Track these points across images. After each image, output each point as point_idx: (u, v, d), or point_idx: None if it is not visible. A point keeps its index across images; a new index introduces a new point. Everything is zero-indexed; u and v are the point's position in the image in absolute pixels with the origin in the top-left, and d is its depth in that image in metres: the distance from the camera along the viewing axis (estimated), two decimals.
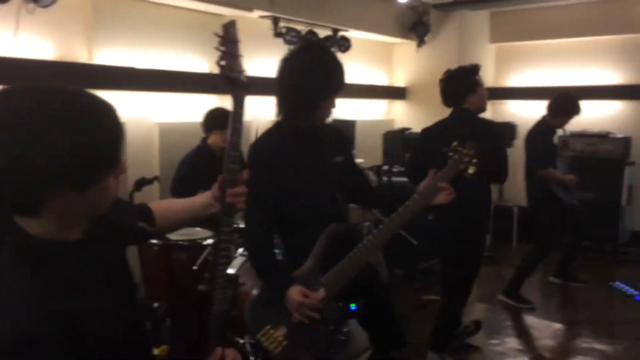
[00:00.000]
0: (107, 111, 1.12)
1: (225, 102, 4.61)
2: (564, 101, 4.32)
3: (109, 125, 1.11)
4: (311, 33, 5.08)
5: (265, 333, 2.01)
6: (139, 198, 2.99)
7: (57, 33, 3.58)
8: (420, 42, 6.28)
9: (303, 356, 2.06)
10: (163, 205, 1.58)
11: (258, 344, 2.02)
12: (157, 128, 4.12)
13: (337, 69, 2.06)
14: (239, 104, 1.43)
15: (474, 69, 3.37)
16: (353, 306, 2.14)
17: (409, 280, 4.83)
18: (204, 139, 3.79)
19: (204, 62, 4.47)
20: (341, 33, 5.44)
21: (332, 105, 2.11)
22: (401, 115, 6.62)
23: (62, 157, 1.00)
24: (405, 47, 6.49)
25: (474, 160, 2.10)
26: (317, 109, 2.07)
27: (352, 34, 5.54)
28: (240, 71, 1.42)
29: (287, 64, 2.07)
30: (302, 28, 5.04)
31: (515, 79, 6.72)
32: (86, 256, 1.19)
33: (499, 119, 6.57)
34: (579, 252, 4.78)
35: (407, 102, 6.60)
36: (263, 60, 4.88)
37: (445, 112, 6.22)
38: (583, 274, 4.91)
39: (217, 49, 1.40)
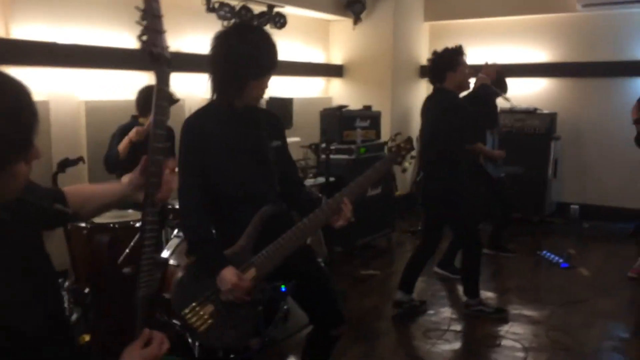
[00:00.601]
0: (17, 93, 1.06)
1: (153, 79, 4.45)
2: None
3: (16, 107, 1.05)
4: (245, 9, 4.96)
5: (191, 310, 1.99)
6: (64, 180, 2.84)
7: None
8: (357, 20, 6.28)
9: (228, 335, 2.06)
10: (80, 189, 1.51)
11: (183, 321, 2.00)
12: (84, 106, 3.92)
13: (268, 49, 2.05)
14: (162, 81, 1.36)
15: (458, 50, 3.65)
16: (283, 287, 2.14)
17: (347, 256, 4.88)
18: (135, 117, 3.66)
19: (132, 37, 4.27)
20: (277, 9, 5.34)
21: (264, 85, 2.10)
22: (338, 93, 6.62)
23: None
24: (341, 25, 6.47)
25: (410, 155, 2.18)
26: (247, 89, 2.05)
27: (287, 10, 5.46)
28: (164, 47, 1.36)
29: (218, 42, 2.05)
30: (236, 3, 4.91)
31: None
32: None
33: None
34: (509, 224, 4.98)
35: (344, 80, 6.60)
36: (195, 36, 4.73)
37: (380, 90, 6.33)
38: (512, 244, 5.13)
39: (138, 23, 1.35)
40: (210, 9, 4.72)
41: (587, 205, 6.20)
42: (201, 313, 1.98)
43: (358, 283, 4.33)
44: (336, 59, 6.63)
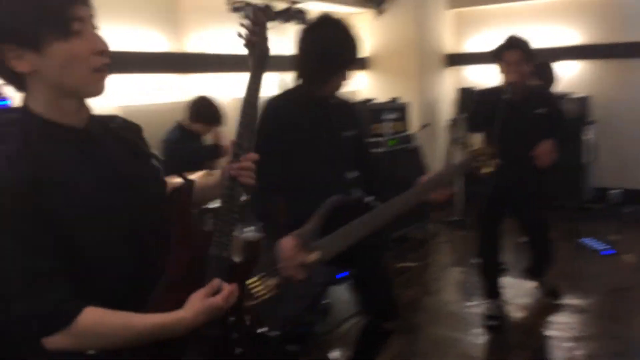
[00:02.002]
0: None
1: (187, 80, 4.48)
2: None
3: None
4: (267, 6, 4.93)
5: (259, 279, 1.96)
6: None
7: None
8: (379, 11, 6.21)
9: (284, 310, 2.06)
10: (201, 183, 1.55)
11: (246, 289, 2.01)
12: (121, 112, 3.95)
13: (354, 41, 2.16)
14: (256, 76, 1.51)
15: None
16: (341, 274, 2.17)
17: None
18: (180, 121, 3.82)
19: (164, 40, 4.30)
20: (298, 5, 5.31)
21: (346, 76, 2.18)
22: (364, 86, 6.57)
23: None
24: (364, 17, 6.40)
25: (492, 161, 2.23)
26: (333, 79, 2.15)
27: (308, 5, 5.41)
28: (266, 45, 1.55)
29: (306, 35, 2.19)
30: (258, 1, 4.89)
31: (475, 44, 6.74)
32: (87, 146, 1.21)
33: (460, 84, 6.60)
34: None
35: (370, 73, 6.55)
36: (218, 35, 4.73)
37: (407, 81, 6.24)
38: (551, 232, 5.00)
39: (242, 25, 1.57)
40: (234, 8, 4.70)
41: (628, 190, 6.02)
42: (267, 283, 1.96)
43: (395, 276, 4.29)
44: (360, 51, 6.57)
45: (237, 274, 1.32)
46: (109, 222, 1.17)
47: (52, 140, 1.16)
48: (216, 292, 1.21)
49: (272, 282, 1.97)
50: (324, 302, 3.22)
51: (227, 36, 4.79)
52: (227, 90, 4.73)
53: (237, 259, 1.35)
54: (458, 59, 6.78)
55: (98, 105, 4.30)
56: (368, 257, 2.23)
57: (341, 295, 2.98)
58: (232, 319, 1.33)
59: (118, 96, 4.00)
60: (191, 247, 1.28)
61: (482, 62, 6.59)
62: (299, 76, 2.19)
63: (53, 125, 1.17)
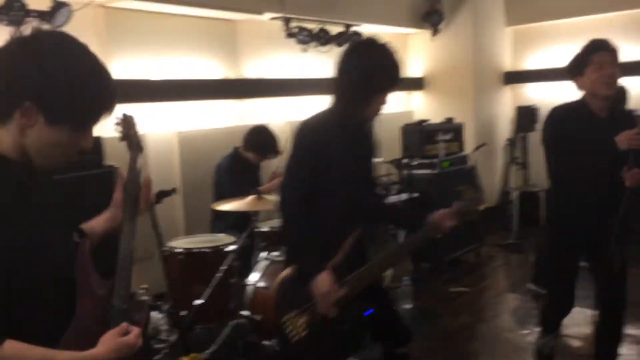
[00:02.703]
0: (108, 74, 1.26)
1: (242, 106, 4.64)
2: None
3: (104, 83, 1.24)
4: (323, 31, 5.05)
5: (290, 318, 2.03)
6: (161, 210, 3.03)
7: None
8: (435, 31, 6.20)
9: (317, 349, 2.08)
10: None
11: (281, 327, 2.05)
12: (176, 137, 4.16)
13: (396, 64, 2.12)
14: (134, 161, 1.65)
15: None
16: (368, 311, 2.16)
17: (435, 273, 4.79)
18: (237, 149, 3.90)
19: (219, 67, 4.50)
20: (353, 28, 5.40)
21: (384, 101, 2.15)
22: (419, 106, 6.56)
23: (53, 77, 1.16)
24: (420, 37, 6.42)
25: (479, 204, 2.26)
26: (372, 102, 2.12)
27: (364, 28, 5.50)
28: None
29: (347, 58, 2.14)
30: (314, 27, 5.02)
31: (534, 62, 6.58)
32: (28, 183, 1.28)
33: (519, 103, 6.46)
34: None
35: (426, 93, 6.53)
36: (276, 61, 4.89)
37: (462, 101, 6.17)
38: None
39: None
40: (290, 34, 4.86)
41: None
42: (299, 322, 2.02)
43: (447, 301, 4.23)
44: (416, 71, 6.57)
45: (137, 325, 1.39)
46: (41, 265, 1.28)
47: None
48: (125, 333, 1.30)
49: (302, 320, 2.01)
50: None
51: (282, 61, 4.94)
52: (282, 113, 4.87)
53: (135, 314, 1.43)
54: (517, 77, 6.65)
55: (158, 131, 4.53)
56: (371, 288, 2.20)
57: None
58: None
59: (177, 122, 4.22)
60: (93, 296, 1.37)
61: (541, 80, 6.43)
62: (338, 98, 2.15)
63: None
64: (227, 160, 3.88)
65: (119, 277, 1.41)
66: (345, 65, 2.12)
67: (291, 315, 2.03)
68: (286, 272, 2.09)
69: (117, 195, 1.59)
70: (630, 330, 3.53)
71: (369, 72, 2.06)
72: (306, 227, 2.07)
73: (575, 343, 3.45)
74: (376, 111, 2.17)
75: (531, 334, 3.58)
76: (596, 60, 2.70)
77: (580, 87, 2.73)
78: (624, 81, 5.73)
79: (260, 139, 3.89)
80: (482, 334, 3.68)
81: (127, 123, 1.68)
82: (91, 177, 2.63)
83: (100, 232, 1.58)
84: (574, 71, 2.77)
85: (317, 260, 2.03)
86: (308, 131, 2.12)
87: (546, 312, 3.08)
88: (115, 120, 1.65)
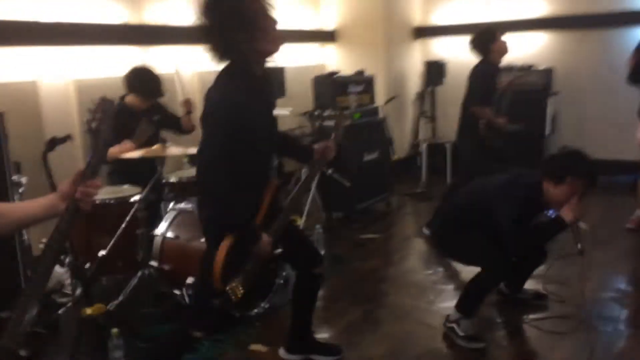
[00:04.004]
0: None
1: (145, 54, 4.41)
2: (485, 36, 4.38)
3: None
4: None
5: (232, 285, 2.17)
6: (56, 159, 2.85)
7: None
8: None
9: (255, 298, 2.40)
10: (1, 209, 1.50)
11: (226, 295, 2.15)
12: (73, 85, 3.90)
13: None
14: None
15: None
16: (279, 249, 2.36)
17: (347, 221, 4.91)
18: (122, 98, 3.65)
19: (120, 10, 4.21)
20: None
21: (273, 24, 2.10)
22: (332, 59, 6.55)
23: None
24: None
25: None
26: (261, 37, 2.05)
27: None
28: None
29: (207, 6, 2.04)
30: None
31: (442, 17, 6.74)
32: None
33: (428, 57, 6.63)
34: None
35: (338, 45, 6.53)
36: (182, 6, 4.66)
37: (374, 53, 6.24)
38: None
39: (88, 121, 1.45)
40: None
41: None
42: (237, 285, 2.17)
43: (358, 247, 4.37)
44: (328, 24, 6.54)
45: None
46: None
47: None
48: None
49: (239, 282, 2.17)
50: (282, 274, 3.29)
51: (185, 7, 4.72)
52: (186, 63, 4.68)
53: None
54: (426, 31, 6.80)
55: (53, 78, 4.24)
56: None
57: None
58: None
59: (73, 69, 3.94)
60: None
61: (449, 34, 6.62)
62: (226, 48, 2.05)
63: None
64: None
65: (20, 307, 1.27)
66: (216, 14, 2.02)
67: (232, 283, 2.16)
68: (225, 243, 2.12)
69: (67, 187, 1.43)
70: None
71: (239, 6, 2.00)
72: (241, 205, 2.12)
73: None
74: (274, 41, 2.10)
75: (434, 274, 3.79)
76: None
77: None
78: (520, 37, 6.05)
79: (138, 81, 3.60)
80: (390, 275, 3.84)
81: (104, 113, 1.44)
82: None
83: (23, 219, 1.47)
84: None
85: (254, 226, 2.17)
86: (230, 106, 2.04)
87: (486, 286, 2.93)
88: (90, 106, 1.45)
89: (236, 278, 2.16)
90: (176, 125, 3.84)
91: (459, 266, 3.86)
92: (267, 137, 2.22)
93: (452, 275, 3.75)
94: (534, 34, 6.25)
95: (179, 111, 3.87)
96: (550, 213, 3.51)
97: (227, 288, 2.13)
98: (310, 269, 2.47)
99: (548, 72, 5.97)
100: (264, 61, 2.15)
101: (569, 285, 3.43)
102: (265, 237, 2.17)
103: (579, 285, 3.44)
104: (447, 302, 3.35)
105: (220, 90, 2.09)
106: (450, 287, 3.57)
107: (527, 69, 5.96)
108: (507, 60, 5.74)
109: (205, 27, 2.03)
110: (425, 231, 4.41)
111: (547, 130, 5.93)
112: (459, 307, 2.93)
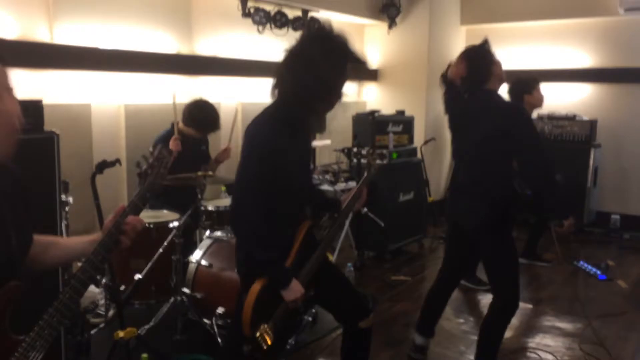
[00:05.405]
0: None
1: (194, 83, 4.55)
2: (521, 86, 4.36)
3: None
4: (280, 13, 5.02)
5: (262, 330, 2.04)
6: (103, 181, 2.94)
7: (17, 10, 3.47)
8: (392, 24, 6.27)
9: (282, 344, 2.19)
10: (47, 237, 1.53)
11: (255, 341, 2.03)
12: (123, 109, 4.04)
13: (350, 56, 2.04)
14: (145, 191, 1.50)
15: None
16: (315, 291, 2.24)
17: (378, 261, 4.88)
18: (174, 124, 3.73)
19: (171, 41, 4.38)
20: (311, 14, 5.39)
21: (342, 95, 2.09)
22: (372, 97, 6.62)
23: None
24: (376, 29, 6.47)
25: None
26: (329, 105, 2.07)
27: (322, 14, 5.49)
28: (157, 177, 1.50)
29: (298, 56, 2.01)
30: (271, 8, 4.97)
31: None
32: None
33: None
34: (544, 232, 4.88)
35: (379, 84, 6.60)
36: (230, 40, 4.81)
37: (415, 94, 6.28)
38: (548, 253, 5.02)
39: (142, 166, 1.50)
40: (246, 14, 4.79)
41: (629, 216, 6.00)
42: (267, 331, 2.04)
43: (388, 288, 4.32)
44: (371, 63, 6.63)
45: None
46: None
47: None
48: None
49: (268, 327, 2.05)
50: (311, 311, 3.27)
51: (236, 41, 4.87)
52: (234, 94, 4.81)
53: None
54: None
55: (105, 102, 4.41)
56: (322, 268, 2.25)
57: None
58: None
59: (125, 94, 4.09)
60: None
61: None
62: (293, 102, 2.01)
63: None
64: (163, 133, 3.70)
65: (36, 334, 1.27)
66: (297, 65, 1.99)
67: (263, 328, 2.04)
68: (255, 287, 2.04)
69: (110, 222, 1.44)
70: (557, 323, 3.72)
71: (327, 70, 1.96)
72: (271, 243, 2.05)
73: (507, 334, 3.59)
74: (333, 105, 2.09)
75: (465, 323, 3.71)
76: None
77: None
78: (564, 87, 6.01)
79: (199, 114, 3.71)
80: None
81: (159, 161, 1.49)
82: (30, 142, 2.52)
83: (70, 253, 1.49)
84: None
85: (285, 269, 2.08)
86: (266, 146, 1.99)
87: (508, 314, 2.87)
88: (151, 150, 1.50)
89: (266, 324, 2.04)
90: (205, 161, 3.89)
91: None
92: (302, 181, 2.19)
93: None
94: (579, 85, 6.20)
95: (216, 149, 3.99)
96: None
97: (257, 334, 2.01)
98: (357, 323, 2.24)
99: (592, 124, 5.88)
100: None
101: (606, 347, 3.31)
102: (295, 284, 2.05)
103: (616, 347, 3.33)
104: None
105: (261, 130, 2.04)
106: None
107: (571, 119, 5.90)
108: (550, 108, 5.76)
109: (289, 68, 2.01)
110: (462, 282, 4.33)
111: (589, 183, 5.81)
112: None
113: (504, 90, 4.33)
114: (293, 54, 2.03)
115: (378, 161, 2.52)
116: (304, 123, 2.08)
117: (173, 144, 3.46)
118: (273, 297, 2.05)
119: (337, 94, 2.06)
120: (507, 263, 2.78)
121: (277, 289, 2.05)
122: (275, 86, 2.06)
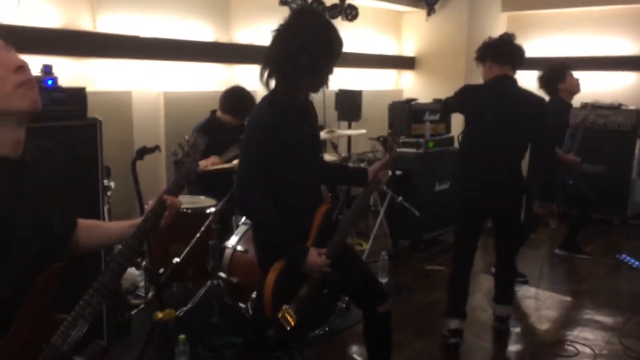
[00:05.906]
0: None
1: (232, 71, 4.60)
2: (552, 75, 4.26)
3: None
4: (317, 1, 5.01)
5: (283, 312, 2.06)
6: (142, 166, 3.01)
7: (61, 1, 3.57)
8: (430, 11, 6.18)
9: (307, 325, 2.20)
10: (91, 222, 1.56)
11: (277, 322, 2.06)
12: (163, 97, 4.13)
13: (335, 33, 2.05)
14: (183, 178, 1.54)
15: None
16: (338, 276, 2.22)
17: (413, 250, 4.85)
18: (214, 112, 3.80)
19: (209, 30, 4.44)
20: (348, 1, 5.35)
21: (331, 72, 2.11)
22: (409, 85, 6.56)
23: None
24: (414, 16, 6.39)
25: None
26: (318, 79, 2.08)
27: (359, 1, 5.46)
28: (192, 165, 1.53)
29: (284, 34, 2.06)
30: None
31: (527, 49, 6.57)
32: (18, 176, 1.25)
33: None
34: (586, 225, 4.76)
35: (416, 72, 6.53)
36: (268, 28, 4.83)
37: (453, 83, 6.17)
38: (590, 246, 4.90)
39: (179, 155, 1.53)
40: (283, 2, 4.80)
41: None
42: (289, 312, 2.06)
43: (422, 278, 4.30)
44: (408, 50, 6.56)
45: None
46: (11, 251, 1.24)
47: None
48: None
49: (291, 309, 2.06)
50: (345, 298, 3.29)
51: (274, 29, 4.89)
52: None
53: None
54: None
55: (145, 89, 4.52)
56: (341, 254, 2.25)
57: None
58: None
59: (165, 82, 4.17)
60: (33, 330, 1.28)
61: (529, 68, 6.43)
62: (282, 81, 2.07)
63: None
64: (202, 122, 3.76)
65: (77, 313, 1.31)
66: (283, 43, 2.04)
67: (284, 309, 2.06)
68: (274, 268, 2.06)
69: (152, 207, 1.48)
70: (597, 316, 3.64)
71: (313, 47, 1.99)
72: (282, 224, 2.06)
73: (544, 326, 3.53)
74: (321, 86, 2.13)
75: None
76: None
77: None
78: (609, 75, 5.81)
79: (236, 101, 3.73)
80: None
81: (194, 148, 1.53)
82: (73, 128, 2.60)
83: (112, 237, 1.53)
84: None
85: (298, 245, 2.08)
86: (262, 129, 2.03)
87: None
88: (185, 139, 1.54)
89: (288, 305, 2.05)
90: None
91: (528, 309, 3.72)
92: (308, 160, 2.17)
93: (520, 317, 3.62)
94: (625, 74, 5.99)
95: None
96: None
97: (279, 316, 2.03)
98: (377, 307, 2.27)
99: (638, 113, 5.68)
100: (307, 92, 2.18)
101: None
102: (313, 251, 2.05)
103: None
104: (512, 346, 3.24)
105: (255, 117, 2.09)
106: (516, 330, 3.44)
107: (615, 108, 5.71)
108: (595, 96, 5.59)
109: (277, 52, 2.05)
110: (493, 270, 4.26)
111: (634, 174, 5.62)
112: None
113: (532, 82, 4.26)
114: (280, 31, 2.09)
115: (396, 146, 2.47)
116: (293, 96, 2.09)
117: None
118: (293, 278, 2.07)
119: (323, 73, 2.07)
120: None
121: (296, 269, 2.06)
122: (268, 75, 2.09)
